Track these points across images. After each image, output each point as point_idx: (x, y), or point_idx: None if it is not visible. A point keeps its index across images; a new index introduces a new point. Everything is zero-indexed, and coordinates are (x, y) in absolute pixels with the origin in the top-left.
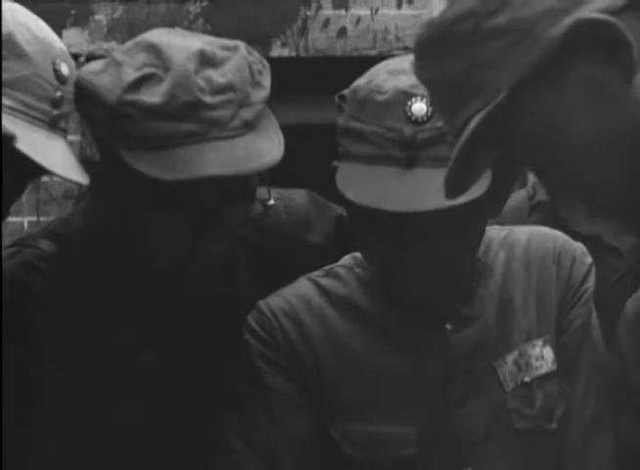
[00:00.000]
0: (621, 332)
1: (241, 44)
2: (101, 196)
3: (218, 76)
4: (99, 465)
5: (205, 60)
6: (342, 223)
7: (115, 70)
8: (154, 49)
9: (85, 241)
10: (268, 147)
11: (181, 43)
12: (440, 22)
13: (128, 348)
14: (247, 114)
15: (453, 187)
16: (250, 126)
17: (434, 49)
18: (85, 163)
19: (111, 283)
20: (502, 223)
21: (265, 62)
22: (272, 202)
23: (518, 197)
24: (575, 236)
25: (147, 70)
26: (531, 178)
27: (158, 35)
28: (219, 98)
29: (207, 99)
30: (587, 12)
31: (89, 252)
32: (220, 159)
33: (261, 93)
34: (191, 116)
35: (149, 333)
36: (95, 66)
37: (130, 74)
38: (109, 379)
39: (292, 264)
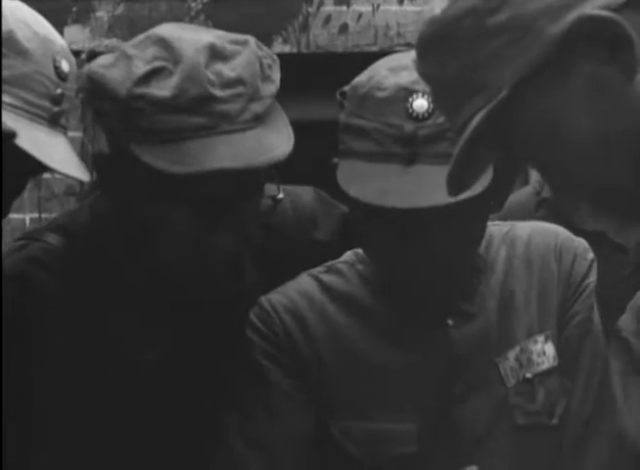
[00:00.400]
0: (626, 321)
1: (251, 39)
2: (109, 190)
3: (228, 70)
4: (99, 463)
5: (216, 53)
6: (347, 221)
7: (126, 63)
8: (164, 43)
9: (92, 235)
10: (278, 141)
11: (191, 37)
12: (442, 19)
13: (132, 343)
14: (257, 107)
15: (456, 184)
16: (260, 120)
17: (436, 46)
18: (94, 157)
19: (117, 278)
20: (507, 219)
21: (275, 56)
22: (281, 196)
23: (524, 193)
24: (581, 232)
25: (157, 64)
26: (535, 175)
27: (168, 29)
28: (229, 92)
29: (217, 92)
30: (589, 8)
31: (96, 246)
32: (230, 152)
33: (271, 87)
34: (201, 109)
35: (153, 328)
36: (105, 59)
37: (140, 68)
38: (111, 374)
39: (297, 261)
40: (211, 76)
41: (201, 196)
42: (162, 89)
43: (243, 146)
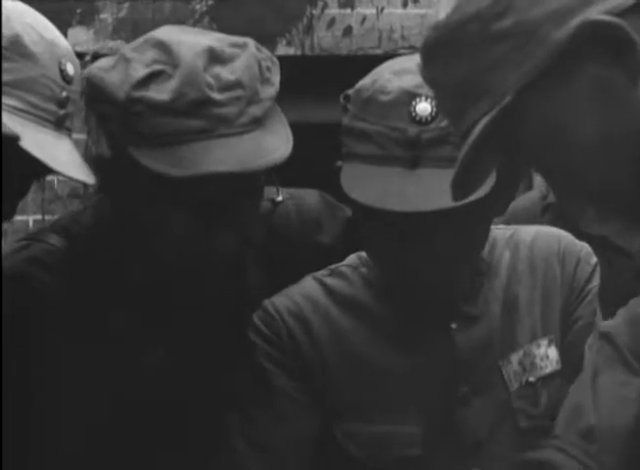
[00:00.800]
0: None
1: (250, 41)
2: (110, 192)
3: (227, 73)
4: (100, 464)
5: (214, 57)
6: (351, 224)
7: (125, 66)
8: (163, 46)
9: (94, 237)
10: (276, 144)
11: (190, 40)
12: (447, 24)
13: (134, 344)
14: (255, 110)
15: (460, 189)
16: (258, 123)
17: (441, 51)
18: (96, 159)
19: (119, 279)
20: (512, 224)
21: (274, 59)
22: (280, 198)
23: (529, 198)
24: (585, 237)
25: (156, 67)
26: (540, 179)
27: (167, 32)
28: (227, 95)
29: (216, 96)
30: (593, 13)
31: (98, 247)
32: (228, 156)
33: (270, 90)
34: (199, 112)
35: (155, 329)
36: (105, 62)
37: (139, 71)
38: (113, 375)
39: (301, 264)
40: (210, 80)
41: (199, 199)
42: (161, 93)
43: (241, 149)
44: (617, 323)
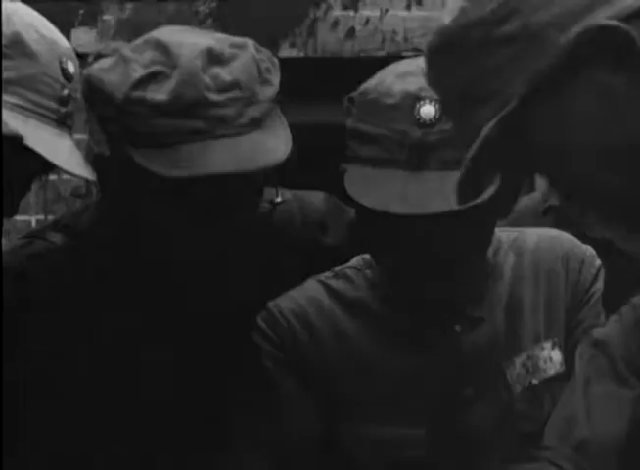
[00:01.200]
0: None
1: (249, 42)
2: (109, 192)
3: (225, 74)
4: (101, 464)
5: (213, 57)
6: (356, 226)
7: (123, 67)
8: (161, 46)
9: (95, 235)
10: (275, 145)
11: (189, 41)
12: (451, 29)
13: (135, 345)
14: (254, 111)
15: (464, 192)
16: (257, 124)
17: (445, 56)
18: (96, 158)
19: (119, 278)
20: (515, 225)
21: (275, 59)
22: (279, 199)
23: (532, 199)
24: (589, 239)
25: (154, 68)
26: (541, 181)
27: (166, 33)
28: (225, 95)
29: (214, 96)
30: (598, 18)
31: (99, 246)
32: (226, 156)
33: (269, 91)
34: (197, 113)
35: (156, 329)
36: (104, 63)
37: (138, 72)
38: (114, 375)
39: (306, 266)
40: (208, 81)
41: (197, 199)
42: (159, 93)
43: (239, 150)
44: (609, 330)
